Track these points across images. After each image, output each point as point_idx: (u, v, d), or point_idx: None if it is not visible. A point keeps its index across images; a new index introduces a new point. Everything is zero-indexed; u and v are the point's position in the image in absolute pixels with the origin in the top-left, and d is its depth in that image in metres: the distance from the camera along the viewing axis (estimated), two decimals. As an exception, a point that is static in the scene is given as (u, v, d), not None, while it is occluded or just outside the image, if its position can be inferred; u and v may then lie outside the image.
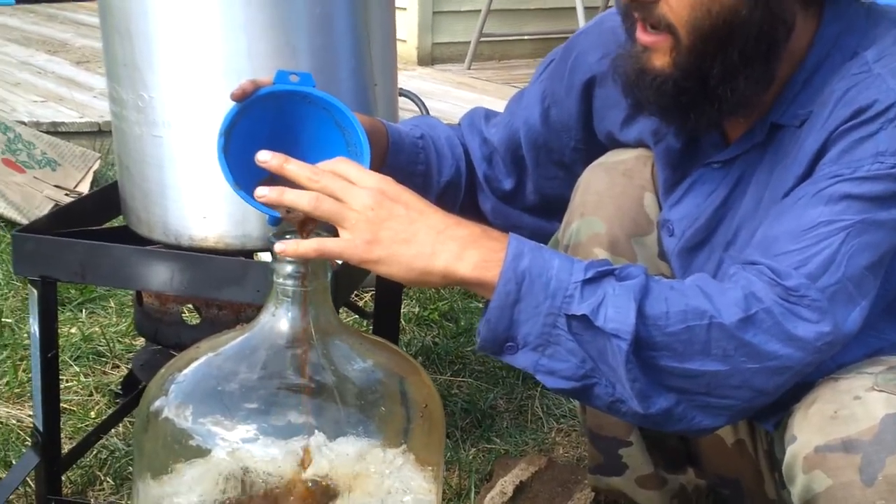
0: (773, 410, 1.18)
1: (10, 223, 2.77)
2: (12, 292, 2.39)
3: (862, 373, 1.12)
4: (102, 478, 1.70)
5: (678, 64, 1.13)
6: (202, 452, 1.07)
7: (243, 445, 1.07)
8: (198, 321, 1.68)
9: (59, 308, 2.27)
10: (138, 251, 1.44)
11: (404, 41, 5.20)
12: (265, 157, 1.08)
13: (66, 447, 1.69)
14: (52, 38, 5.61)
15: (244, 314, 1.59)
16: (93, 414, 1.89)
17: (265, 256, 1.48)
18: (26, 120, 3.53)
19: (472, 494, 1.68)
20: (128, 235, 1.52)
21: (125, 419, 1.82)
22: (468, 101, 4.04)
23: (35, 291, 1.47)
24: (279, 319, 1.11)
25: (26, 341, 2.08)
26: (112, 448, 1.76)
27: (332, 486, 1.08)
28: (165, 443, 1.10)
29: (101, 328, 2.22)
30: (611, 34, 1.31)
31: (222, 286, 1.41)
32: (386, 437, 1.10)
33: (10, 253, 1.50)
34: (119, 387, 1.96)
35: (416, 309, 2.39)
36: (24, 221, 2.64)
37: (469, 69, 5.12)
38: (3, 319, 2.24)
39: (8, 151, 3.05)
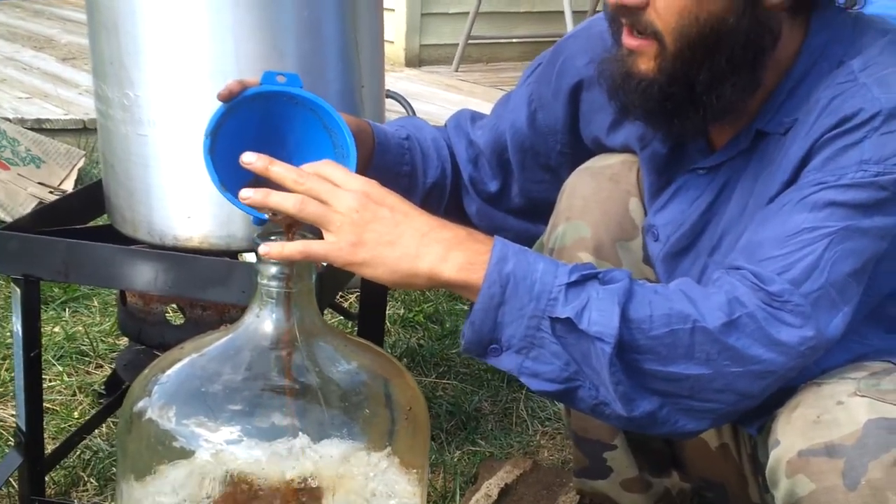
0: (756, 414, 1.18)
1: (-7, 221, 2.75)
2: (-5, 291, 2.38)
3: (845, 378, 1.13)
4: (86, 478, 1.69)
5: (663, 69, 1.14)
6: (186, 454, 1.07)
7: (227, 447, 1.06)
8: (182, 321, 1.67)
9: (43, 307, 2.25)
10: (122, 250, 1.43)
11: (392, 42, 5.20)
12: (250, 159, 1.08)
13: (50, 447, 1.68)
14: (38, 34, 5.59)
15: (228, 315, 1.58)
16: (76, 414, 1.88)
17: (250, 257, 1.48)
18: (11, 116, 3.51)
19: (457, 497, 1.68)
20: (112, 234, 1.51)
21: (109, 419, 1.81)
22: (455, 104, 4.04)
23: (18, 290, 1.46)
24: (263, 321, 1.11)
25: (9, 340, 2.07)
26: (95, 449, 1.76)
27: (317, 489, 1.08)
28: (149, 444, 1.09)
29: (85, 327, 2.21)
30: (598, 39, 1.32)
31: (207, 286, 1.40)
32: (370, 440, 1.10)
33: (-7, 251, 1.49)
34: (102, 387, 1.95)
35: (402, 311, 2.39)
36: (8, 219, 2.62)
37: (457, 71, 5.13)
38: (-15, 318, 2.23)
39: (-8, 148, 3.03)
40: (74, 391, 1.97)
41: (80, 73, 4.39)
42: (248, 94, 1.13)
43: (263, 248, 1.06)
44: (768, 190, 1.16)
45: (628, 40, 1.16)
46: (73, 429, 1.76)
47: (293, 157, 1.14)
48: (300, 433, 1.07)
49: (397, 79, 4.81)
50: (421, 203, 1.40)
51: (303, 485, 1.07)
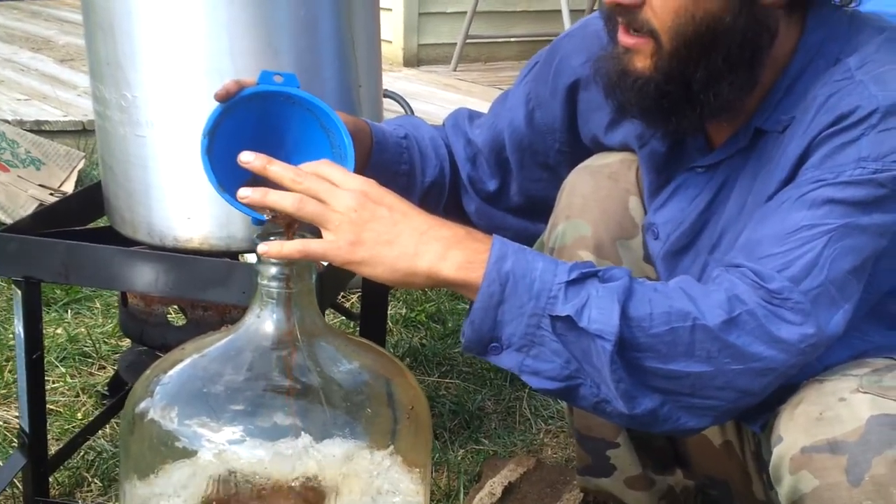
0: (759, 412, 1.18)
1: (-6, 223, 2.75)
2: (-3, 293, 2.38)
3: (847, 375, 1.13)
4: (90, 479, 1.69)
5: (660, 68, 1.14)
6: (188, 454, 1.07)
7: (229, 447, 1.07)
8: (183, 322, 1.67)
9: (45, 309, 2.26)
10: (122, 252, 1.43)
11: (390, 42, 5.20)
12: (248, 158, 1.08)
13: (53, 448, 1.69)
14: (35, 35, 5.58)
15: (230, 315, 1.58)
16: (80, 415, 1.89)
17: (251, 258, 1.48)
18: (10, 118, 3.51)
19: (461, 495, 1.68)
20: (112, 236, 1.52)
21: (112, 420, 1.81)
22: (454, 103, 4.03)
23: (19, 292, 1.46)
24: (264, 321, 1.11)
25: (12, 342, 2.07)
26: (99, 449, 1.76)
27: (320, 488, 1.08)
28: (151, 444, 1.10)
29: (87, 329, 2.21)
30: (595, 37, 1.32)
31: (207, 287, 1.40)
32: (373, 439, 1.10)
33: (-6, 253, 1.49)
34: (105, 388, 1.95)
35: (404, 310, 2.39)
36: (9, 221, 2.62)
37: (455, 71, 5.12)
38: (-13, 320, 2.23)
39: (-8, 151, 3.03)
40: (78, 392, 1.97)
41: (78, 75, 4.38)
42: (244, 94, 1.13)
43: (262, 248, 1.06)
44: (767, 188, 1.16)
45: (624, 38, 1.16)
46: (77, 430, 1.76)
47: (291, 157, 1.14)
48: (302, 433, 1.07)
49: (396, 78, 4.81)
50: (419, 202, 1.40)
51: (306, 484, 1.07)
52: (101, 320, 2.28)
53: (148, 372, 1.15)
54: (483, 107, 1.51)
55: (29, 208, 2.79)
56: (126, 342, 2.10)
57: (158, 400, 1.10)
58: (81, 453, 1.74)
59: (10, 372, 1.99)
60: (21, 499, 1.59)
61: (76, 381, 2.01)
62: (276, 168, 1.07)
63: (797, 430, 1.10)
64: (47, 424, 1.58)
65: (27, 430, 1.52)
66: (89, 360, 2.10)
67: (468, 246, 1.07)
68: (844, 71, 1.13)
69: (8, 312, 2.26)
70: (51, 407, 1.87)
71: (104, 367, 2.08)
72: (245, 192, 1.07)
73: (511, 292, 1.05)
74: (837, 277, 1.08)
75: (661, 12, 1.11)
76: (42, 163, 3.10)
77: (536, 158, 1.45)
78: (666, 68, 1.14)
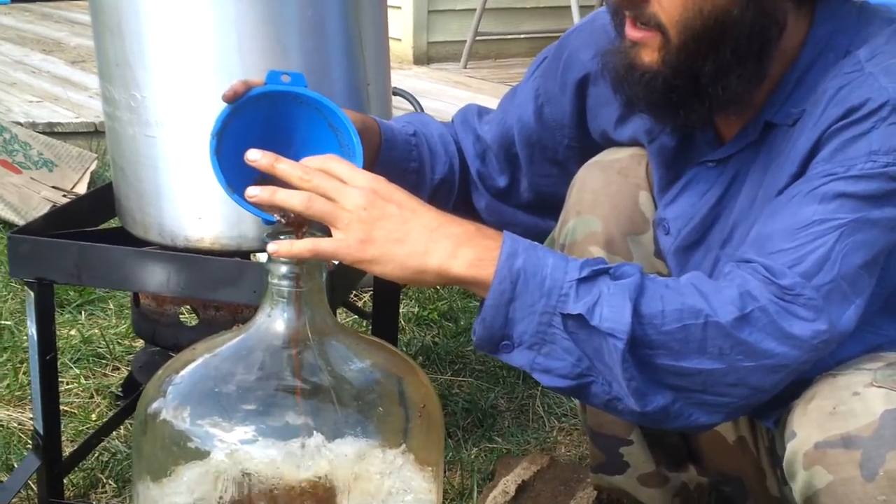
0: (773, 407, 1.17)
1: (7, 224, 2.76)
2: (11, 294, 2.39)
3: (860, 369, 1.12)
4: (104, 480, 1.69)
5: (667, 62, 1.13)
6: (201, 454, 1.07)
7: (242, 447, 1.07)
8: (195, 322, 1.67)
9: (59, 310, 2.27)
10: (134, 252, 1.43)
11: (399, 40, 5.20)
12: (255, 156, 1.08)
13: (68, 450, 1.69)
14: (46, 37, 5.60)
15: (241, 315, 1.58)
16: (94, 416, 1.89)
17: (263, 257, 1.48)
18: (22, 120, 3.53)
19: (475, 494, 1.68)
20: (124, 237, 1.52)
21: (126, 421, 1.82)
22: (464, 100, 4.02)
23: (31, 293, 1.47)
24: (275, 320, 1.11)
25: (26, 344, 2.08)
26: (114, 450, 1.76)
27: (332, 487, 1.08)
28: (164, 445, 1.10)
29: (101, 330, 2.22)
30: (603, 32, 1.31)
31: (218, 287, 1.40)
32: (385, 438, 1.10)
33: (7, 255, 1.49)
34: (120, 389, 1.96)
35: (416, 309, 2.39)
36: (22, 223, 2.63)
37: (465, 68, 5.12)
38: (2, 322, 2.24)
39: (4, 152, 3.04)
40: (92, 394, 1.97)
41: (89, 76, 4.39)
42: (252, 95, 1.13)
43: (272, 247, 1.06)
44: (777, 182, 1.15)
45: (632, 32, 1.15)
46: (91, 431, 1.77)
47: (299, 156, 1.14)
48: (314, 432, 1.07)
49: (406, 76, 4.81)
50: (429, 199, 1.39)
51: (318, 483, 1.07)
52: (114, 321, 2.29)
53: (160, 372, 1.15)
54: (493, 104, 1.50)
55: (42, 210, 2.80)
56: (140, 343, 2.10)
57: (171, 400, 1.10)
58: (96, 454, 1.75)
59: (24, 373, 2.00)
60: (36, 500, 1.59)
61: (90, 382, 2.02)
62: (283, 166, 1.07)
63: (810, 425, 1.10)
64: (62, 426, 1.59)
65: (41, 431, 1.53)
66: (103, 361, 2.11)
67: (479, 243, 1.07)
68: (854, 63, 1.12)
69: (22, 314, 2.27)
70: (65, 408, 1.87)
71: (118, 368, 2.09)
72: (253, 192, 1.06)
73: (522, 290, 1.05)
74: (849, 272, 1.07)
75: (669, 6, 1.11)
76: (54, 164, 3.11)
77: (546, 154, 1.44)
78: (674, 62, 1.13)
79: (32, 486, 1.61)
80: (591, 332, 1.04)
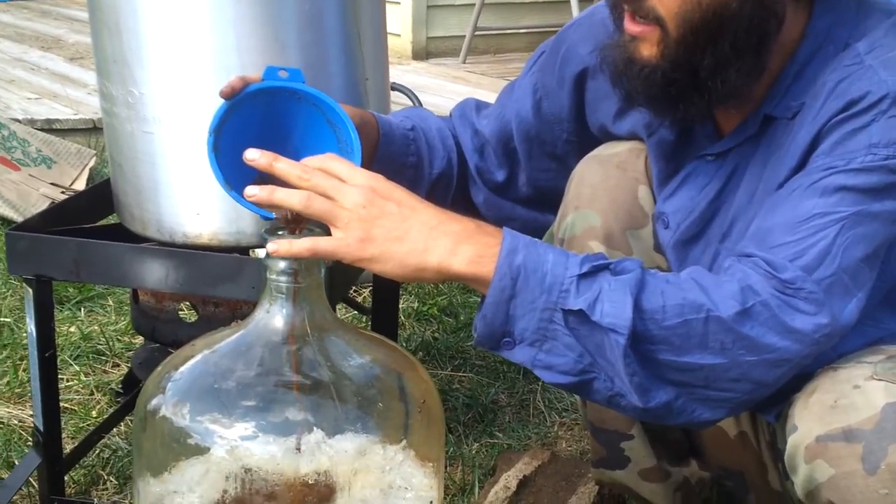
0: (774, 402, 1.17)
1: (5, 221, 2.76)
2: (10, 291, 2.39)
3: (861, 362, 1.12)
4: (105, 477, 1.69)
5: (666, 55, 1.13)
6: (201, 450, 1.07)
7: (242, 443, 1.07)
8: (195, 318, 1.67)
9: (58, 307, 2.27)
10: (132, 249, 1.43)
11: (398, 35, 5.19)
12: (253, 156, 1.07)
13: (69, 447, 1.69)
14: (45, 34, 5.60)
15: (240, 311, 1.58)
16: (94, 413, 1.89)
17: (261, 253, 1.47)
18: (21, 117, 3.52)
19: (476, 489, 1.68)
20: (122, 233, 1.52)
21: (126, 418, 1.82)
22: (463, 96, 3.98)
23: (30, 290, 1.46)
24: (274, 316, 1.11)
25: (26, 341, 2.07)
26: (114, 447, 1.76)
27: (332, 483, 1.08)
28: (164, 441, 1.10)
29: (101, 326, 2.22)
30: (601, 26, 1.31)
31: (217, 283, 1.40)
32: (385, 433, 1.10)
33: (5, 252, 1.49)
34: (120, 385, 1.96)
35: (416, 304, 2.39)
36: (21, 220, 2.62)
37: (464, 63, 5.11)
38: (1, 319, 2.24)
39: (2, 149, 3.04)
40: (92, 390, 1.97)
41: (88, 73, 4.39)
42: (250, 91, 1.13)
43: (271, 246, 1.05)
44: (777, 175, 1.15)
45: (630, 26, 1.15)
46: (92, 428, 1.77)
47: (297, 152, 1.14)
48: (315, 428, 1.07)
49: (404, 72, 4.81)
50: (427, 194, 1.39)
51: (318, 479, 1.07)
52: (114, 318, 2.28)
53: (159, 369, 1.15)
54: (492, 98, 1.50)
55: (40, 207, 2.80)
56: (140, 339, 2.10)
57: (170, 397, 1.10)
58: (96, 451, 1.75)
59: (24, 371, 2.00)
60: (37, 497, 1.59)
61: (90, 379, 2.02)
62: (282, 165, 1.07)
63: (812, 418, 1.10)
64: (62, 423, 1.59)
65: (41, 428, 1.53)
66: (103, 357, 2.11)
67: (478, 240, 1.07)
68: (854, 56, 1.12)
69: (21, 311, 2.27)
70: (65, 405, 1.87)
71: (118, 365, 2.09)
72: (252, 191, 1.06)
73: (523, 286, 1.05)
74: (850, 266, 1.06)
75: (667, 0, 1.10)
76: (53, 161, 3.11)
77: (544, 148, 1.44)
78: (673, 56, 1.13)
79: (33, 483, 1.61)
80: (593, 327, 1.04)
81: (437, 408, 1.16)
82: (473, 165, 1.45)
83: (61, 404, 1.67)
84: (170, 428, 1.08)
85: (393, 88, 2.35)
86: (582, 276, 1.05)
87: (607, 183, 1.35)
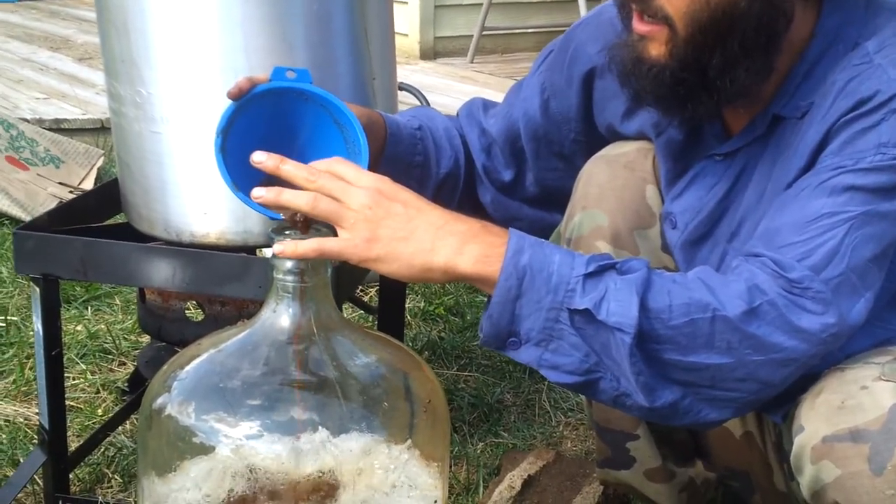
0: (780, 402, 1.17)
1: (14, 221, 2.77)
2: (17, 290, 2.40)
3: (869, 363, 1.12)
4: (110, 475, 1.69)
5: (675, 55, 1.13)
6: (206, 449, 1.07)
7: (247, 442, 1.07)
8: (201, 318, 1.67)
9: (65, 305, 2.28)
10: (139, 248, 1.43)
11: (406, 35, 5.19)
12: (260, 158, 1.08)
13: (74, 445, 1.69)
14: (54, 34, 5.61)
15: (247, 310, 1.58)
16: (100, 411, 1.89)
17: (268, 252, 1.47)
18: (29, 117, 3.53)
19: (481, 489, 1.67)
20: (129, 232, 1.52)
21: (132, 416, 1.82)
22: (470, 95, 3.97)
23: (37, 289, 1.47)
24: (280, 315, 1.11)
25: (32, 339, 2.08)
26: (120, 445, 1.76)
27: (337, 482, 1.08)
28: (169, 440, 1.10)
29: (107, 325, 2.22)
30: (609, 25, 1.31)
31: (224, 282, 1.40)
32: (390, 433, 1.10)
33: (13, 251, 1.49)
34: (126, 384, 1.96)
35: (422, 304, 2.39)
36: (28, 219, 2.63)
37: (472, 63, 5.11)
38: (8, 317, 2.24)
39: (11, 149, 3.05)
40: (98, 389, 1.97)
41: (96, 73, 4.40)
42: (257, 91, 1.13)
43: (278, 248, 1.06)
44: (786, 175, 1.15)
45: (638, 25, 1.14)
46: (97, 426, 1.77)
47: (304, 153, 1.14)
48: (320, 427, 1.07)
49: (412, 71, 4.81)
50: (434, 193, 1.39)
51: (323, 479, 1.07)
52: (120, 317, 2.29)
53: (165, 368, 1.15)
54: (500, 98, 1.50)
55: (48, 206, 2.80)
56: (146, 338, 2.10)
57: (176, 395, 1.10)
58: (102, 449, 1.75)
59: (30, 369, 2.00)
60: (42, 495, 1.59)
61: (96, 377, 2.02)
62: (288, 167, 1.07)
63: (818, 419, 1.09)
64: (68, 421, 1.59)
65: (47, 426, 1.53)
66: (109, 356, 2.11)
67: (484, 240, 1.07)
68: (863, 55, 1.11)
69: (28, 310, 2.27)
70: (71, 403, 1.88)
71: (124, 364, 2.09)
72: (259, 192, 1.07)
73: (528, 286, 1.05)
74: (859, 265, 1.06)
75: None
76: (61, 161, 3.12)
77: (552, 148, 1.44)
78: (681, 55, 1.12)
79: (38, 481, 1.61)
80: (599, 326, 1.04)
81: (442, 407, 1.16)
82: (480, 165, 1.45)
83: (67, 402, 1.67)
84: (175, 426, 1.09)
85: (400, 88, 2.36)
86: (588, 276, 1.05)
87: (615, 183, 1.35)
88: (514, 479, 1.63)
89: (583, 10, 4.79)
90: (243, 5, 1.37)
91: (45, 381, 1.51)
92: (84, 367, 2.05)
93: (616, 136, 1.40)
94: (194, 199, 1.44)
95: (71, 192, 2.97)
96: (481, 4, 5.03)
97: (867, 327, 1.11)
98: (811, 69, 1.16)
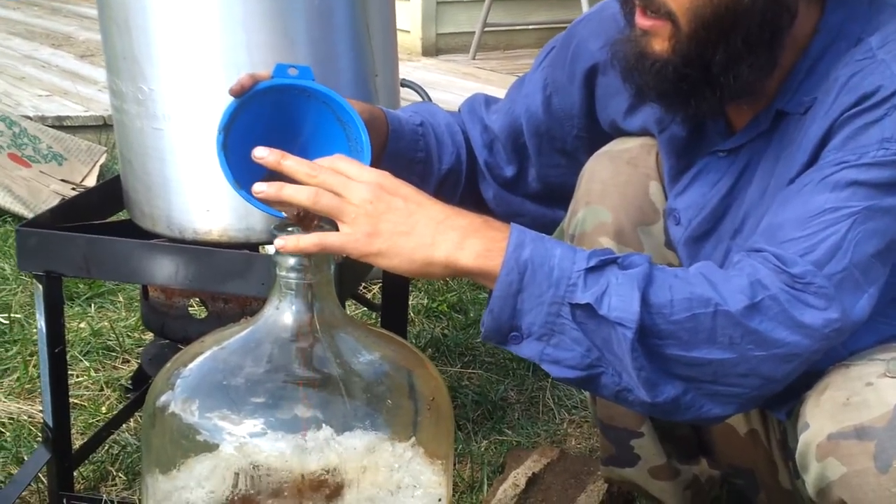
0: (785, 399, 1.17)
1: (16, 218, 2.77)
2: (21, 287, 2.40)
3: (873, 359, 1.11)
4: (115, 473, 1.70)
5: (678, 50, 1.12)
6: (210, 447, 1.07)
7: (251, 440, 1.07)
8: (204, 315, 1.67)
9: (68, 303, 2.28)
10: (142, 245, 1.43)
11: (408, 32, 5.19)
12: (262, 154, 1.08)
13: (78, 443, 1.69)
14: (56, 31, 5.61)
15: (250, 307, 1.58)
16: (104, 409, 1.89)
17: (271, 249, 1.47)
18: (31, 114, 3.53)
19: (485, 487, 1.67)
20: (132, 229, 1.52)
21: (136, 414, 1.82)
22: (473, 92, 3.99)
23: (40, 287, 1.47)
24: (283, 312, 1.11)
25: (35, 337, 2.08)
26: (124, 443, 1.76)
27: (341, 480, 1.08)
28: (173, 438, 1.10)
29: (111, 323, 2.22)
30: (612, 21, 1.30)
31: (226, 279, 1.40)
32: (394, 431, 1.10)
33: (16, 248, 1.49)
34: (129, 381, 1.96)
35: (425, 300, 2.39)
36: (31, 216, 2.63)
37: (474, 59, 5.11)
38: (12, 315, 2.24)
39: (13, 146, 3.05)
40: (102, 386, 1.98)
41: (98, 70, 4.40)
42: (259, 88, 1.13)
43: (279, 242, 1.06)
44: (789, 171, 1.14)
45: (641, 20, 1.14)
46: (101, 424, 1.77)
47: (307, 149, 1.14)
48: (323, 425, 1.07)
49: (414, 68, 4.80)
50: (436, 190, 1.39)
51: (327, 476, 1.07)
52: (124, 314, 2.29)
53: (168, 365, 1.15)
54: (502, 95, 1.50)
55: (51, 203, 2.80)
56: (149, 335, 2.10)
57: (179, 393, 1.10)
58: (106, 447, 1.75)
59: (34, 367, 2.00)
60: (46, 493, 1.60)
61: (100, 374, 2.02)
62: (290, 163, 1.07)
63: (823, 416, 1.09)
64: (71, 419, 1.59)
65: (51, 424, 1.53)
66: (113, 353, 2.11)
67: (486, 234, 1.06)
68: (866, 51, 1.11)
69: (32, 307, 2.27)
70: (75, 401, 1.88)
71: (128, 361, 2.09)
72: (260, 188, 1.06)
73: (530, 280, 1.05)
74: (861, 261, 1.06)
75: None
76: (64, 158, 3.12)
77: (554, 144, 1.43)
78: (684, 51, 1.12)
79: (42, 478, 1.61)
80: (600, 321, 1.04)
81: (446, 405, 1.16)
82: (483, 161, 1.45)
83: (71, 400, 1.67)
84: (179, 424, 1.09)
85: (403, 85, 2.35)
86: (589, 271, 1.04)
87: (618, 179, 1.35)
88: (518, 477, 1.63)
89: (585, 6, 4.78)
90: (245, 2, 1.37)
91: (49, 379, 1.51)
92: (87, 364, 2.05)
93: (619, 133, 1.40)
94: (197, 195, 1.44)
95: (73, 189, 2.97)
96: (483, 1, 5.02)
97: (871, 323, 1.11)
98: (814, 65, 1.16)
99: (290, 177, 1.07)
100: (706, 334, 1.04)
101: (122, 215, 1.62)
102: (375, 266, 1.09)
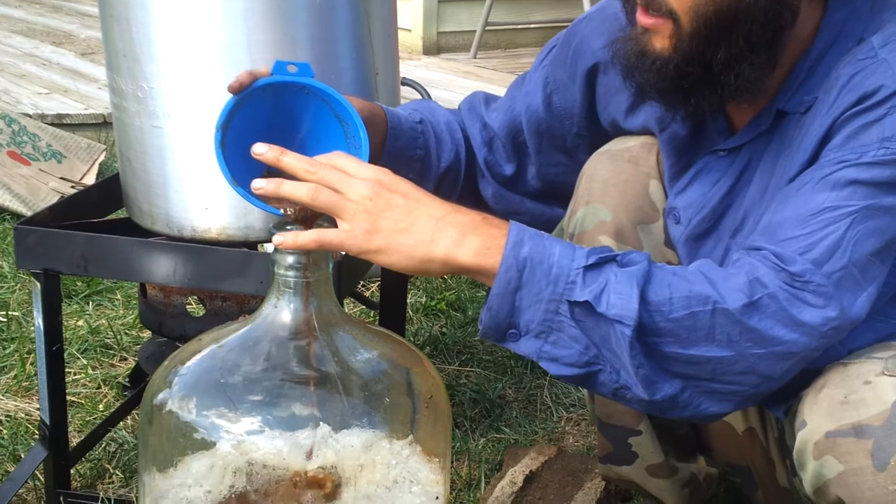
0: (783, 397, 1.17)
1: (15, 215, 2.77)
2: (19, 285, 2.40)
3: (872, 358, 1.11)
4: (111, 471, 1.69)
5: (679, 49, 1.12)
6: (207, 445, 1.07)
7: (248, 438, 1.06)
8: (202, 313, 1.67)
9: (66, 300, 2.27)
10: (141, 243, 1.43)
11: (409, 30, 5.19)
12: (261, 150, 1.08)
13: (75, 440, 1.69)
14: (56, 29, 5.61)
15: (248, 305, 1.58)
16: (101, 407, 1.89)
17: (269, 247, 1.47)
18: (31, 112, 3.53)
19: (482, 485, 1.67)
20: (130, 227, 1.52)
21: (133, 411, 1.82)
22: (474, 90, 4.02)
23: (38, 284, 1.47)
24: (281, 311, 1.11)
25: (33, 334, 2.08)
26: (121, 441, 1.76)
27: (339, 478, 1.08)
28: (170, 436, 1.10)
29: (109, 320, 2.22)
30: (614, 20, 1.30)
31: (225, 278, 1.40)
32: (392, 429, 1.10)
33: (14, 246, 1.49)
34: (127, 379, 1.96)
35: (424, 299, 2.39)
36: (30, 214, 2.63)
37: (475, 58, 5.11)
38: (9, 312, 2.24)
39: (13, 144, 3.05)
40: (99, 384, 1.97)
41: (98, 68, 4.40)
42: (258, 85, 1.12)
43: (278, 239, 1.06)
44: (789, 170, 1.14)
45: (643, 18, 1.14)
46: (98, 421, 1.77)
47: (305, 147, 1.14)
48: (321, 423, 1.07)
49: (415, 67, 4.80)
50: (435, 187, 1.39)
51: (324, 474, 1.07)
52: (122, 312, 2.29)
53: (166, 363, 1.15)
54: (503, 94, 1.50)
55: (50, 201, 2.81)
56: (147, 333, 2.10)
57: (176, 391, 1.10)
58: (103, 445, 1.75)
59: (31, 364, 2.00)
60: (43, 491, 1.60)
61: (97, 372, 2.02)
62: (289, 159, 1.07)
63: (821, 414, 1.09)
64: (69, 416, 1.59)
65: (48, 422, 1.53)
66: (111, 351, 2.11)
67: (485, 232, 1.06)
68: (868, 50, 1.11)
69: (29, 305, 2.27)
70: (72, 399, 1.88)
71: (125, 359, 2.09)
72: (259, 184, 1.06)
73: (529, 278, 1.05)
74: (860, 260, 1.06)
75: None
76: (63, 156, 3.12)
77: (554, 143, 1.43)
78: (686, 49, 1.12)
79: (39, 476, 1.61)
80: (599, 319, 1.04)
81: (444, 403, 1.16)
82: (482, 158, 1.45)
83: (68, 398, 1.67)
84: (176, 422, 1.08)
85: (403, 83, 2.35)
86: (588, 268, 1.04)
87: (618, 178, 1.35)
88: (515, 474, 1.63)
89: (586, 4, 4.78)
90: (245, 0, 1.36)
91: (46, 377, 1.51)
92: (85, 362, 2.05)
93: (619, 132, 1.40)
94: (196, 194, 1.44)
95: (72, 187, 2.97)
96: (485, 0, 5.02)
97: (869, 322, 1.11)
98: (816, 64, 1.16)
99: (289, 173, 1.07)
100: (705, 332, 1.04)
101: (120, 213, 1.62)
102: (374, 263, 1.09)
